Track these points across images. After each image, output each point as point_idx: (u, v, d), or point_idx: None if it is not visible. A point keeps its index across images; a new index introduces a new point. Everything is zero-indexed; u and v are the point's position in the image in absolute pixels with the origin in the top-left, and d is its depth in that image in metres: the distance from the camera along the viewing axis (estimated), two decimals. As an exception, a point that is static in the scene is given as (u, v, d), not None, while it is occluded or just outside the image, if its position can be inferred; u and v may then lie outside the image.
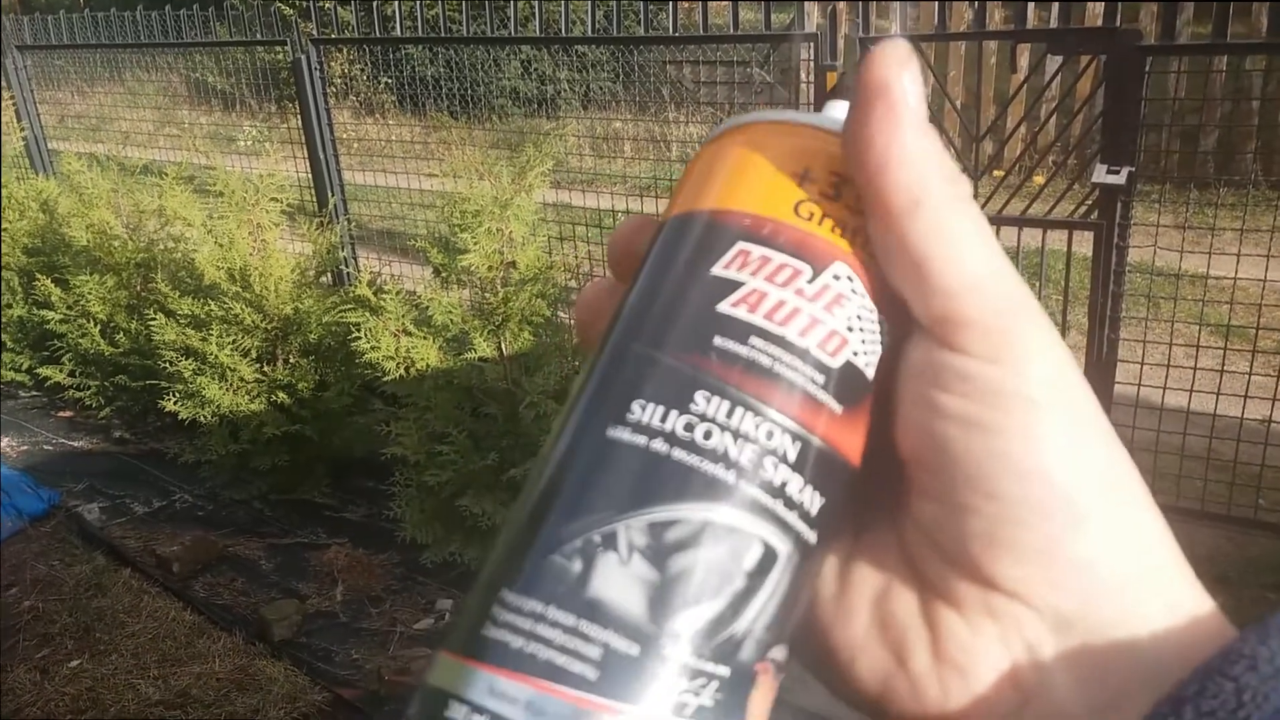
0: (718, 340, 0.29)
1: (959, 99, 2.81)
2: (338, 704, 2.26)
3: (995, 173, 2.73)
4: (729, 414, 0.29)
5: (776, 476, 0.29)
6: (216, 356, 2.81)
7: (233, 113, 4.83)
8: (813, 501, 0.29)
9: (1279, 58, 2.60)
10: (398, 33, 3.58)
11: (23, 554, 2.83)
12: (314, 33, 3.57)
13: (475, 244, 2.56)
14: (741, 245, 0.30)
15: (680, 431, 0.28)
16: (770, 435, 0.29)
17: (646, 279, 0.32)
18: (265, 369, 2.89)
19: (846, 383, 0.30)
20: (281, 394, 2.84)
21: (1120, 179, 2.32)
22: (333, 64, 4.33)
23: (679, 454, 0.28)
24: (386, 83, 4.39)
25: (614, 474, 0.28)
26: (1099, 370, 2.49)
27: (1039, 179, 2.59)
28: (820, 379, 0.29)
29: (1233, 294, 2.47)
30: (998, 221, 2.50)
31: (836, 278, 0.30)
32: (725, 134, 0.33)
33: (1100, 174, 2.35)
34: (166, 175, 3.19)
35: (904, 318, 0.31)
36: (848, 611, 0.33)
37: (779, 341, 0.29)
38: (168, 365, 2.87)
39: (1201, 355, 2.52)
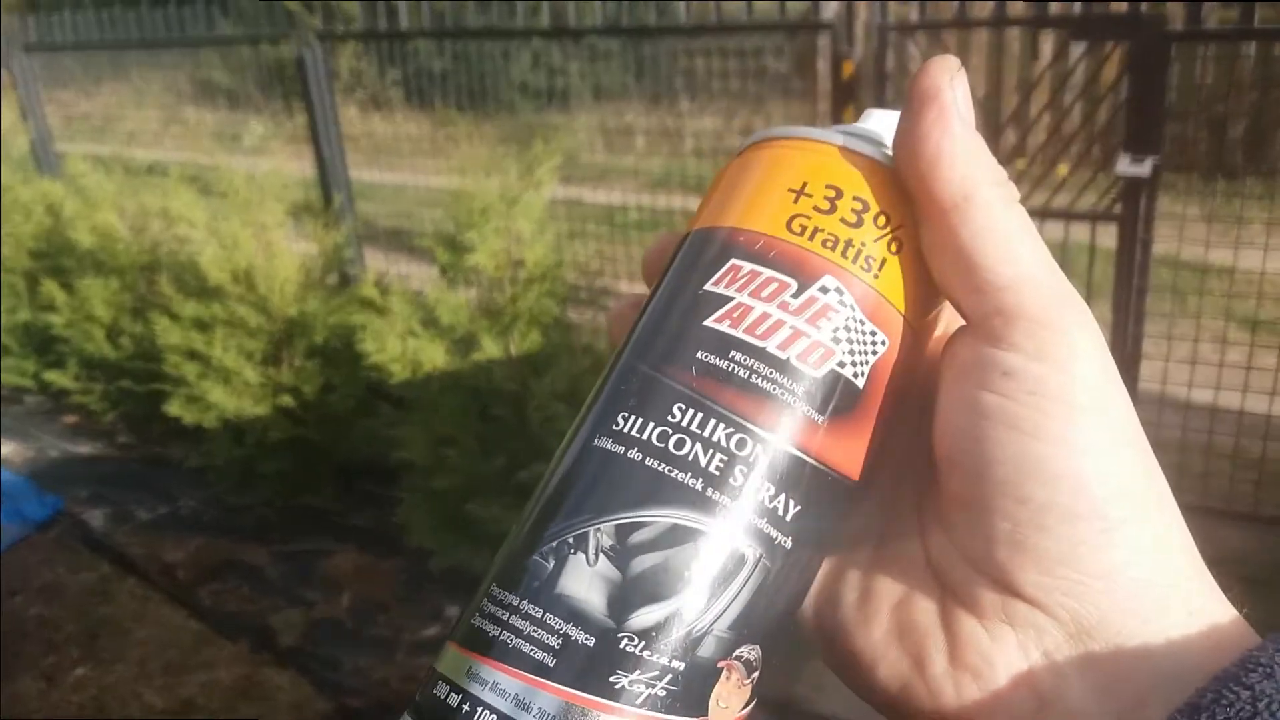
0: (700, 354, 0.31)
1: (981, 88, 2.74)
2: (344, 713, 2.23)
3: (1018, 163, 2.66)
4: (702, 425, 0.30)
5: (747, 485, 0.30)
6: (220, 360, 2.77)
7: (239, 110, 4.80)
8: (788, 509, 0.30)
9: (1309, 42, 2.52)
10: (404, 26, 3.52)
11: (28, 561, 2.81)
12: (319, 28, 3.53)
13: (482, 242, 2.50)
14: (734, 262, 0.32)
15: (654, 441, 0.30)
16: (742, 445, 0.30)
17: (655, 296, 0.33)
18: (270, 372, 2.85)
19: (831, 392, 0.31)
20: (286, 397, 2.80)
21: (1144, 170, 2.25)
22: (339, 59, 4.28)
23: (651, 462, 0.30)
24: (394, 78, 4.34)
25: (593, 480, 0.30)
26: (1123, 367, 2.43)
27: (1062, 169, 2.52)
28: (801, 390, 0.30)
29: (1260, 287, 2.40)
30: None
31: (824, 290, 0.31)
32: (744, 150, 0.35)
33: (1124, 165, 2.28)
34: (170, 176, 3.15)
35: (916, 326, 0.32)
36: (868, 617, 0.34)
37: (758, 354, 0.30)
38: (172, 369, 2.83)
39: (1228, 350, 2.45)
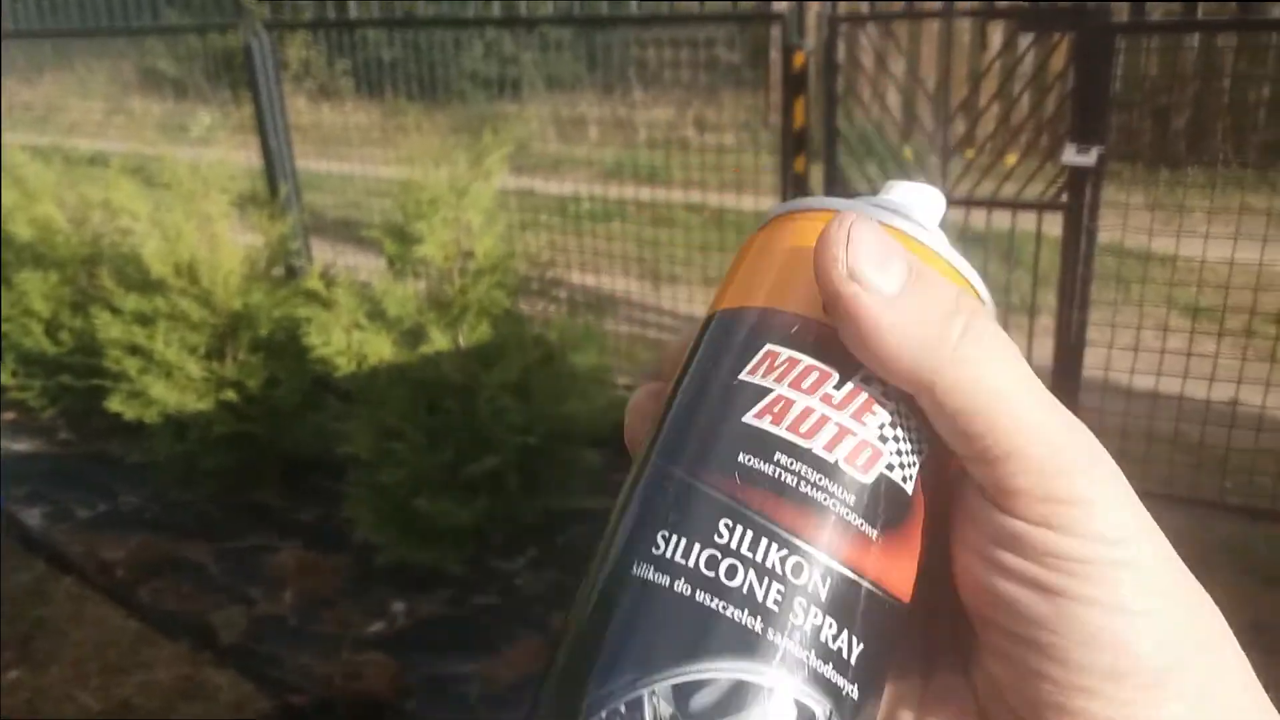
0: (742, 457, 0.27)
1: (930, 78, 2.75)
2: (286, 710, 2.19)
3: (967, 152, 2.67)
4: (753, 546, 0.26)
5: (808, 622, 0.26)
6: (163, 354, 2.71)
7: (185, 100, 4.71)
8: (851, 649, 0.27)
9: (1250, 35, 2.56)
10: (354, 15, 3.48)
11: (-38, 562, 2.74)
12: (267, 16, 3.47)
13: (431, 233, 2.47)
14: (769, 347, 0.29)
15: (703, 569, 0.26)
16: (799, 571, 0.26)
17: (682, 386, 0.30)
18: (214, 366, 2.80)
19: (883, 502, 0.28)
20: (230, 392, 2.74)
21: (1089, 160, 2.26)
22: (288, 48, 4.21)
23: (702, 597, 0.26)
24: (344, 67, 4.27)
25: (640, 624, 0.26)
26: (1069, 354, 2.45)
27: (1010, 158, 2.53)
28: (852, 499, 0.27)
29: (1200, 275, 2.43)
30: (967, 203, 2.45)
31: (866, 381, 0.28)
32: (771, 222, 0.32)
33: (1070, 155, 2.29)
34: (112, 166, 3.09)
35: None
36: None
37: (804, 456, 0.27)
38: (113, 364, 2.77)
39: (1169, 337, 2.48)
